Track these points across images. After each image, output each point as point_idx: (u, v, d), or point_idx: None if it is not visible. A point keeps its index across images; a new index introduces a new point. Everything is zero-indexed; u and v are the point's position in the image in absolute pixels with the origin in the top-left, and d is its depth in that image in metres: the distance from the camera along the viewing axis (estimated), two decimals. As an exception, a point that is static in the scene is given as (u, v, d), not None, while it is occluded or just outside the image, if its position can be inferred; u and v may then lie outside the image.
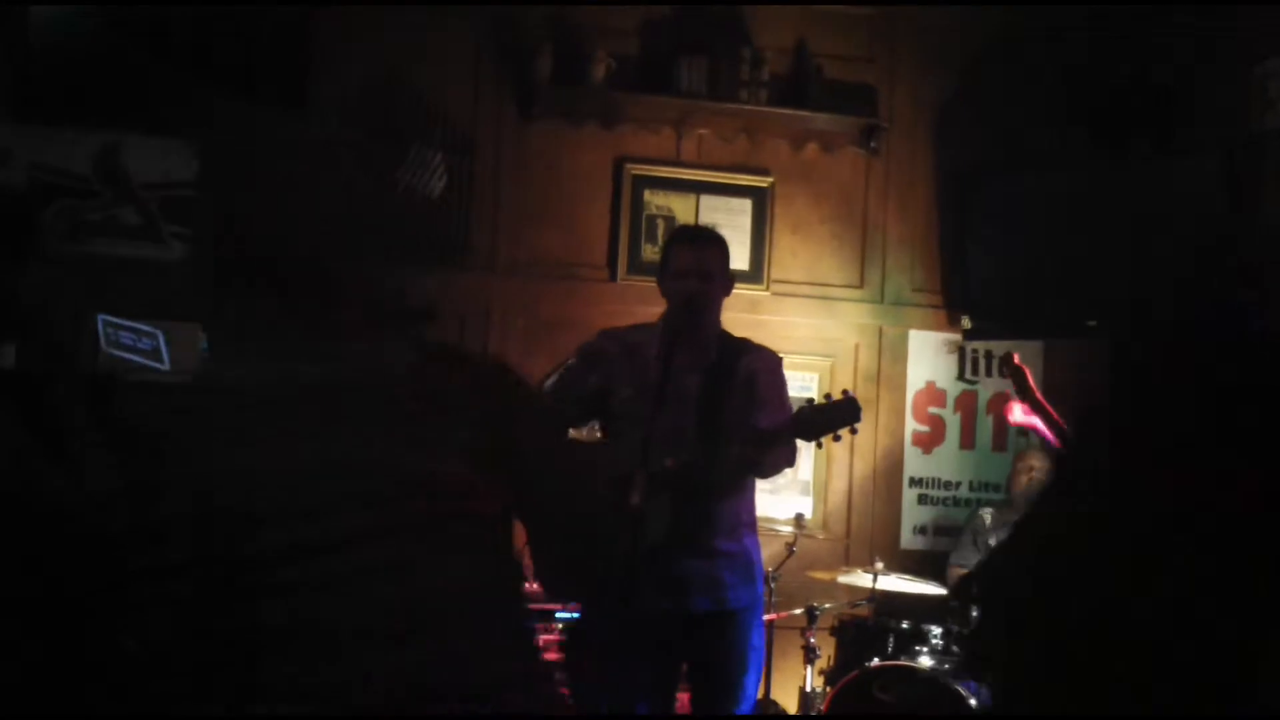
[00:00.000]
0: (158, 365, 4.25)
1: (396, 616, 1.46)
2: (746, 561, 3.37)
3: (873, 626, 4.22)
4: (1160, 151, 4.88)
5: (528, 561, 1.81)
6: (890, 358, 5.05)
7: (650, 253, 4.77)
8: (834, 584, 4.37)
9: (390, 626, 1.45)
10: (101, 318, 4.20)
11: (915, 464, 5.04)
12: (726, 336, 3.45)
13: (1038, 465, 4.60)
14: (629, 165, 4.84)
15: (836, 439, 3.27)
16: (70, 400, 2.10)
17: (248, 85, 4.36)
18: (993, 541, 4.40)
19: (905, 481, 5.04)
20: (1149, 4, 4.84)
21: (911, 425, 5.05)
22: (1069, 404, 3.77)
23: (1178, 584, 0.97)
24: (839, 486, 4.98)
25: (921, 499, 5.03)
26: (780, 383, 3.42)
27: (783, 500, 4.77)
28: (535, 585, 1.94)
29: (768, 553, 3.70)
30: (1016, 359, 4.00)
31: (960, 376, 5.06)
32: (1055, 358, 4.99)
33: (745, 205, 4.89)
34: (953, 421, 5.08)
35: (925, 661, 3.99)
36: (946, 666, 3.98)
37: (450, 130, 4.69)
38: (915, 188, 5.11)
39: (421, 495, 1.49)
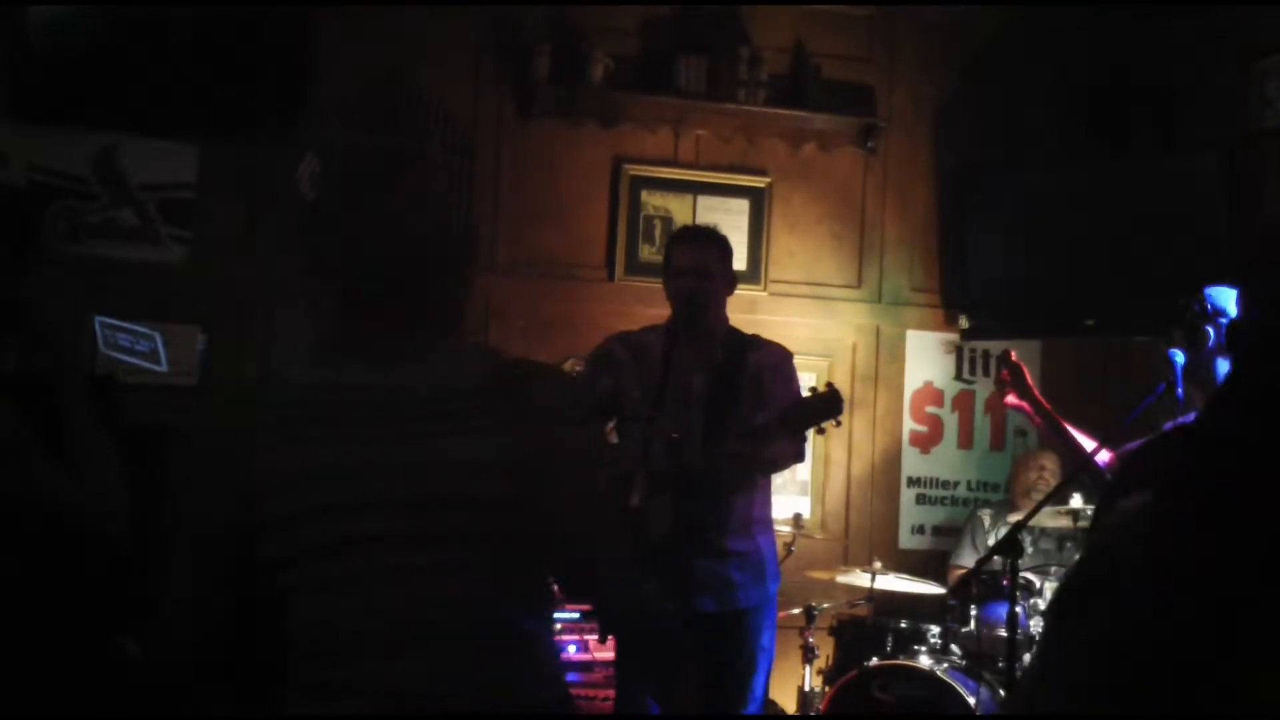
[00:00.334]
0: (155, 367, 4.26)
1: (411, 622, 1.47)
2: (758, 561, 3.37)
3: (871, 626, 4.23)
4: (1159, 150, 4.88)
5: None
6: (888, 357, 5.05)
7: (648, 253, 4.78)
8: (832, 583, 4.38)
9: (404, 632, 1.47)
10: (99, 319, 4.21)
11: (913, 464, 5.04)
12: (735, 334, 3.46)
13: (1049, 466, 4.59)
14: (627, 166, 4.84)
15: (820, 432, 3.28)
16: (72, 402, 2.11)
17: (248, 85, 4.37)
18: (991, 541, 4.40)
19: (903, 481, 5.04)
20: (1149, 4, 4.83)
21: (909, 425, 5.05)
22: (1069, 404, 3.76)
23: None
24: (837, 486, 4.98)
25: (920, 499, 5.03)
26: (787, 377, 3.43)
27: (781, 500, 4.73)
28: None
29: (766, 552, 3.69)
30: (1014, 356, 4.00)
31: (958, 376, 5.06)
32: (1053, 357, 4.99)
33: (743, 205, 4.89)
34: (950, 421, 5.08)
35: (924, 661, 3.99)
36: (945, 665, 3.98)
37: (450, 130, 4.69)
38: (913, 187, 5.10)
39: (464, 508, 1.51)
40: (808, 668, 4.25)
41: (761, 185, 4.93)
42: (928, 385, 5.07)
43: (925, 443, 5.06)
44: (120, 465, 2.09)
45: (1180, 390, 3.04)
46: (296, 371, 1.56)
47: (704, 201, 4.87)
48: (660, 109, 4.82)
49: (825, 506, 4.96)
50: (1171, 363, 3.06)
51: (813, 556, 4.62)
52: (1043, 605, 3.98)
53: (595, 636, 3.27)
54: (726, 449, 3.23)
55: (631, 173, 4.84)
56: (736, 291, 3.55)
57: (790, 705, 4.53)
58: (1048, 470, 4.59)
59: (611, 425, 3.60)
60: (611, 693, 3.94)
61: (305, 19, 4.54)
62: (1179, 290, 3.21)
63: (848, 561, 4.70)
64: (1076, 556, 3.90)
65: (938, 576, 4.61)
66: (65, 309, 3.93)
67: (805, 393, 3.41)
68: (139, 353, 4.23)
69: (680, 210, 4.85)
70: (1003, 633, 3.48)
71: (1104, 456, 3.08)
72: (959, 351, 5.05)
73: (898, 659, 4.03)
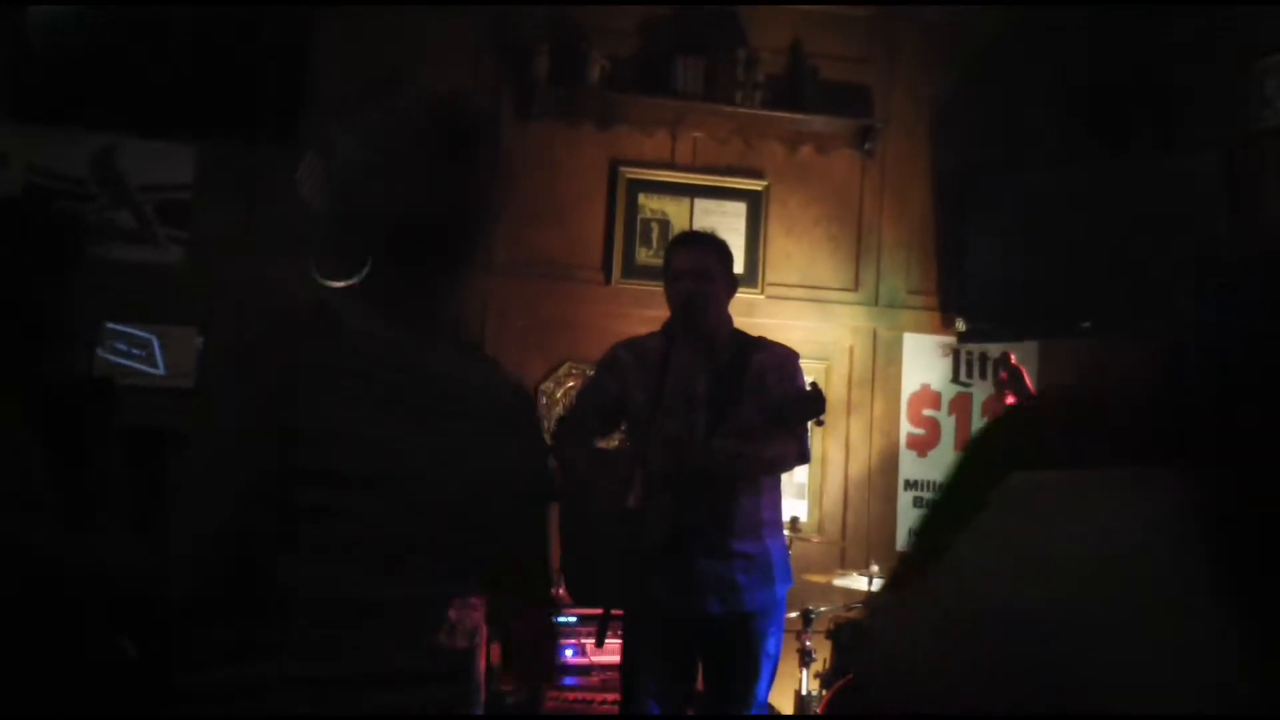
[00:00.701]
0: (152, 370, 4.26)
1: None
2: (765, 563, 3.37)
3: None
4: (1159, 151, 4.87)
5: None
6: (885, 360, 5.04)
7: (645, 256, 4.78)
8: (829, 587, 4.38)
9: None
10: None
11: (910, 467, 5.04)
12: (741, 336, 3.47)
13: None
14: (624, 169, 4.84)
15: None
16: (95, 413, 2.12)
17: (248, 85, 4.36)
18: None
19: (900, 484, 5.03)
20: (1149, 4, 4.82)
21: (906, 428, 5.05)
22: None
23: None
24: (834, 489, 4.97)
25: (917, 502, 5.03)
26: (790, 377, 3.43)
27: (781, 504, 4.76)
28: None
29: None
30: (1014, 359, 4.01)
31: (955, 379, 5.05)
32: (1051, 359, 4.98)
33: (740, 208, 4.89)
34: (948, 424, 5.07)
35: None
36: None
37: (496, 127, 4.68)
38: (911, 189, 5.10)
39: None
40: (805, 671, 4.25)
41: (759, 188, 4.93)
42: (925, 388, 5.06)
43: (922, 446, 5.06)
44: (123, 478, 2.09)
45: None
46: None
47: (701, 204, 4.86)
48: (657, 110, 4.81)
49: (822, 509, 4.96)
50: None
51: (810, 560, 4.62)
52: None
53: (593, 641, 3.26)
54: (718, 449, 3.23)
55: (629, 176, 4.84)
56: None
57: (787, 709, 4.53)
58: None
59: (622, 430, 3.62)
60: (610, 696, 3.95)
61: (305, 19, 4.54)
62: (1178, 291, 3.21)
63: (845, 565, 4.70)
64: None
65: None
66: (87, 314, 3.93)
67: None
68: (136, 356, 4.24)
69: (677, 213, 4.84)
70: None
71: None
72: (956, 354, 5.05)
73: (895, 662, 4.02)
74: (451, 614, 3.76)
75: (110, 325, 4.23)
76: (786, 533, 4.32)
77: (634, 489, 3.11)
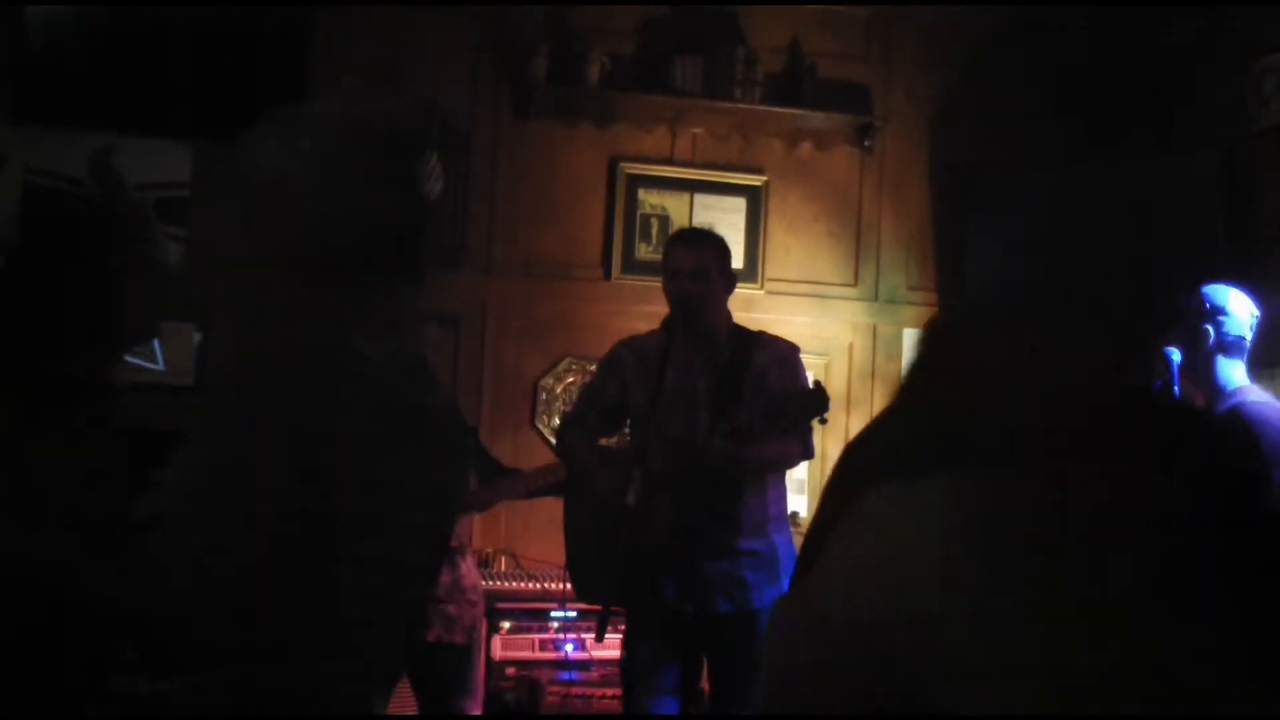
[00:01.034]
0: (152, 366, 4.27)
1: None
2: (772, 560, 3.36)
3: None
4: (1158, 150, 4.87)
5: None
6: (885, 356, 5.04)
7: (645, 252, 4.78)
8: (830, 583, 4.37)
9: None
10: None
11: (910, 463, 5.03)
12: (741, 333, 3.47)
13: None
14: (623, 164, 4.84)
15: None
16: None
17: (248, 85, 4.37)
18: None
19: (900, 480, 5.02)
20: (1149, 4, 4.83)
21: (906, 424, 5.04)
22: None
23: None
24: (834, 485, 4.97)
25: (917, 498, 5.02)
26: (792, 373, 3.42)
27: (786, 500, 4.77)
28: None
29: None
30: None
31: (955, 375, 5.04)
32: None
33: (739, 204, 4.89)
34: (948, 420, 5.06)
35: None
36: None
37: (448, 130, 4.69)
38: (911, 185, 5.11)
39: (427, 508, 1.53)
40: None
41: (758, 184, 4.93)
42: (925, 384, 5.05)
43: (922, 442, 5.04)
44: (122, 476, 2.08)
45: (1177, 389, 3.04)
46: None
47: (701, 200, 4.87)
48: (656, 108, 4.82)
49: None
50: (1168, 362, 3.05)
51: (810, 556, 4.61)
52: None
53: (593, 636, 3.26)
54: (720, 448, 3.23)
55: (628, 171, 4.84)
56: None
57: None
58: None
59: (625, 429, 3.62)
60: (610, 690, 3.95)
61: (305, 19, 4.55)
62: (1177, 290, 3.21)
63: (845, 561, 4.69)
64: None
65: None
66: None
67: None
68: (137, 352, 4.24)
69: (677, 209, 4.85)
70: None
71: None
72: (956, 351, 5.04)
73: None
74: (450, 610, 3.76)
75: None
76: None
77: (634, 487, 3.12)
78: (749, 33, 4.93)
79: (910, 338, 5.07)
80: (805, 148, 5.00)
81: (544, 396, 4.74)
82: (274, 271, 1.55)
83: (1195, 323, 3.10)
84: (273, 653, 1.44)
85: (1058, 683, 0.97)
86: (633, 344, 3.54)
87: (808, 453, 3.42)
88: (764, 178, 4.95)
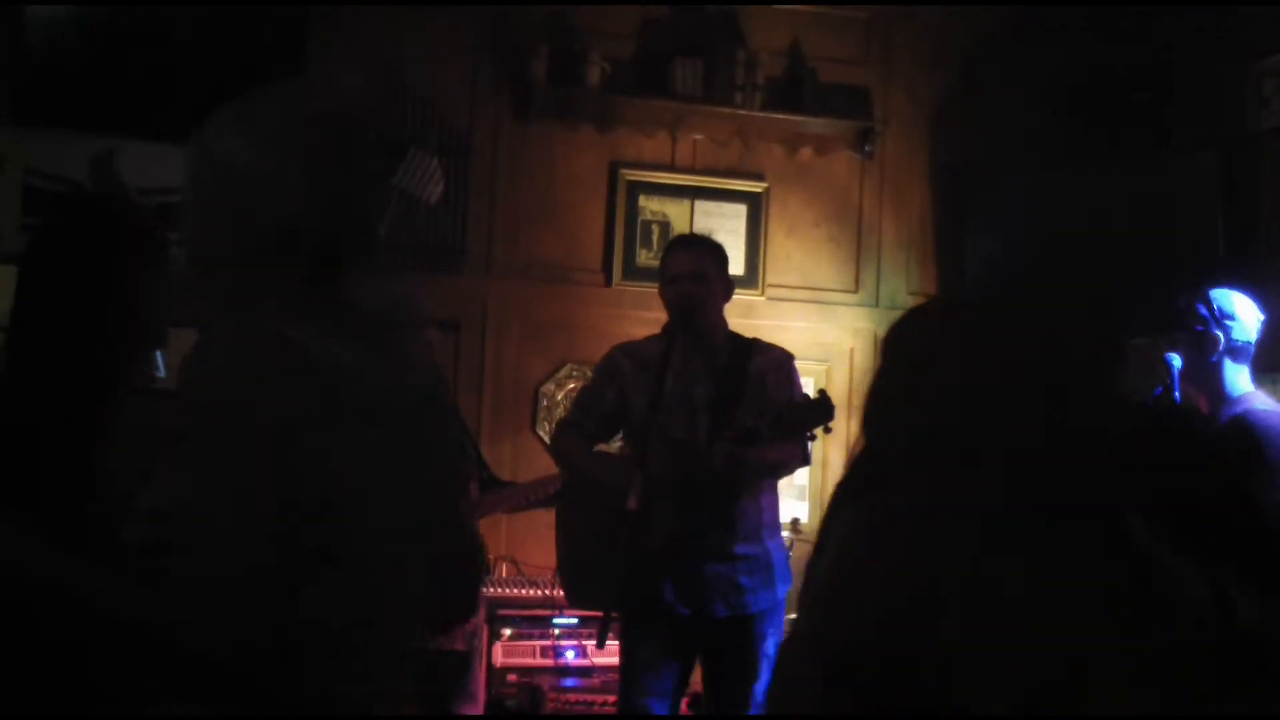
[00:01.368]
0: (155, 372, 4.26)
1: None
2: (766, 564, 3.38)
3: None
4: (1158, 150, 4.87)
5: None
6: (886, 361, 5.03)
7: (645, 258, 4.78)
8: (830, 587, 4.37)
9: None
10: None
11: (911, 468, 5.03)
12: (737, 339, 3.48)
13: None
14: (624, 170, 4.84)
15: (811, 438, 3.28)
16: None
17: (247, 86, 4.35)
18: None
19: (900, 485, 5.02)
20: (1148, 4, 4.82)
21: (907, 428, 5.04)
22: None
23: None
24: (835, 490, 4.96)
25: (917, 502, 5.02)
26: (788, 379, 3.44)
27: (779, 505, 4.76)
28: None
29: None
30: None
31: (955, 379, 5.04)
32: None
33: (740, 210, 4.89)
34: (948, 424, 5.06)
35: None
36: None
37: (448, 132, 4.69)
38: (911, 190, 5.10)
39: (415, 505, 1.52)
40: (805, 671, 4.24)
41: (758, 189, 4.93)
42: (925, 389, 5.05)
43: (923, 446, 5.04)
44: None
45: (1178, 393, 3.04)
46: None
47: (701, 206, 4.86)
48: (656, 112, 4.81)
49: (824, 511, 4.93)
50: (1169, 366, 3.05)
51: (811, 560, 4.61)
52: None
53: (594, 642, 3.27)
54: (720, 452, 3.23)
55: (629, 177, 4.83)
56: (734, 296, 3.56)
57: (788, 708, 4.53)
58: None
59: (621, 437, 3.62)
60: (611, 697, 3.95)
61: (305, 19, 4.54)
62: (1177, 291, 3.21)
63: (845, 565, 4.69)
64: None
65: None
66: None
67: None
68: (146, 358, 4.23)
69: (677, 215, 4.84)
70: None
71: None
72: (957, 354, 5.03)
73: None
74: (452, 616, 3.74)
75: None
76: (788, 534, 4.35)
77: (634, 491, 3.13)
78: (749, 35, 4.92)
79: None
80: (805, 153, 5.00)
81: (544, 403, 4.74)
82: (218, 261, 1.54)
83: (1203, 328, 3.09)
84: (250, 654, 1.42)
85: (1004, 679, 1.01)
86: (629, 349, 3.54)
87: (805, 459, 3.43)
88: (764, 183, 4.94)
